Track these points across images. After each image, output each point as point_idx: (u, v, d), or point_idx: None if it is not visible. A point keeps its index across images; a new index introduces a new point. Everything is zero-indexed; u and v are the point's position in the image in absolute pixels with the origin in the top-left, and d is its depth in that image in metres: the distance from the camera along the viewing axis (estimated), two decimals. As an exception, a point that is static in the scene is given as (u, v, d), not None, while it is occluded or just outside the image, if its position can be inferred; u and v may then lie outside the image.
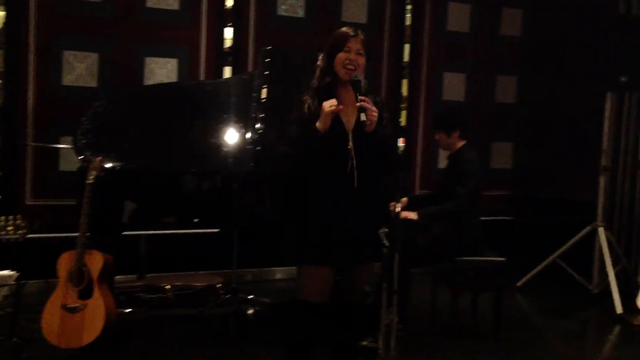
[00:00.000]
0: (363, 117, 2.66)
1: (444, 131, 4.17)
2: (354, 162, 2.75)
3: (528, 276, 5.29)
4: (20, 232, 2.99)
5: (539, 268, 5.29)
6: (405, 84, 5.97)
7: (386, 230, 2.92)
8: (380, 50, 5.81)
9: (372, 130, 2.70)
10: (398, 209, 2.92)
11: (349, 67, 2.79)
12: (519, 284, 5.28)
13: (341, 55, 2.80)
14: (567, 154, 5.93)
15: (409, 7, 5.93)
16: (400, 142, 5.93)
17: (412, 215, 3.93)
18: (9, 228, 2.97)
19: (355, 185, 2.77)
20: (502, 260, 4.06)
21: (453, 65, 6.06)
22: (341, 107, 2.73)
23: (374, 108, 2.70)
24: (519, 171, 6.34)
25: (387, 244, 2.85)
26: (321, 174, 2.80)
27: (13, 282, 2.81)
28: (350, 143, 2.77)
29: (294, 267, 2.98)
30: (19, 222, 3.01)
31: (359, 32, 2.86)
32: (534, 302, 5.10)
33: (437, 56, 6.02)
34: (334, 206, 2.78)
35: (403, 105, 5.98)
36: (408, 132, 5.96)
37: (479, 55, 6.14)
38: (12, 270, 2.83)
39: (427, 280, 4.17)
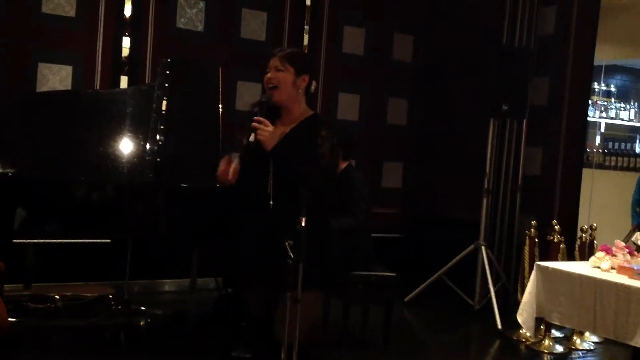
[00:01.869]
0: (252, 137, 2.81)
1: None
2: (271, 184, 2.90)
3: (415, 291, 5.67)
4: None
5: (425, 284, 5.66)
6: (302, 102, 6.27)
7: (291, 242, 3.17)
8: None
9: (271, 149, 2.82)
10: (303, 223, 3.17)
11: (269, 85, 2.96)
12: (406, 298, 5.63)
13: (265, 76, 2.99)
14: (453, 175, 6.43)
15: (306, 27, 6.26)
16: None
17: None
18: None
19: (270, 204, 2.89)
20: (391, 275, 4.34)
21: (348, 86, 6.44)
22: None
23: (264, 127, 2.81)
24: (408, 190, 6.80)
25: (292, 255, 3.10)
26: (244, 191, 2.97)
27: None
28: (271, 166, 2.91)
29: (183, 279, 3.09)
30: None
31: (279, 49, 3.02)
32: (420, 316, 5.49)
33: (333, 77, 6.38)
34: (246, 229, 2.99)
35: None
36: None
37: (372, 78, 6.55)
38: None
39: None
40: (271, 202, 2.90)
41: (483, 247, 5.55)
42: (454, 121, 6.48)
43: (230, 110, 5.36)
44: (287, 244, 3.15)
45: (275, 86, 2.97)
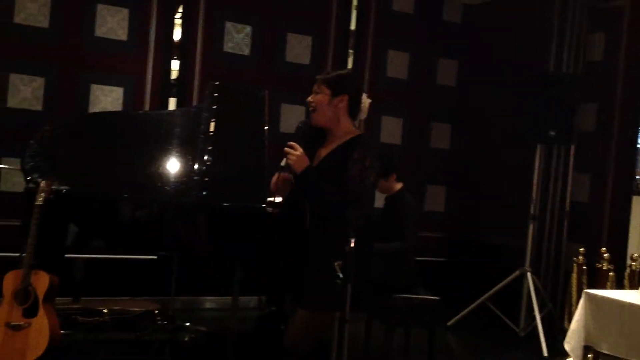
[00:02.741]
0: (283, 161, 2.91)
1: (382, 176, 4.41)
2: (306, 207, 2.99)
3: (458, 316, 5.68)
4: None
5: (468, 309, 5.67)
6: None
7: (340, 262, 3.25)
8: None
9: (300, 172, 2.88)
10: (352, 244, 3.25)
11: (310, 108, 3.05)
12: (449, 322, 5.65)
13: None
14: (497, 199, 6.44)
15: (351, 51, 6.41)
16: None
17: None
18: None
19: (305, 226, 2.98)
20: (435, 299, 4.36)
21: (391, 109, 6.54)
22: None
23: (293, 151, 2.87)
24: (451, 214, 6.84)
25: (340, 275, 3.18)
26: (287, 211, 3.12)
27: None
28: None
29: (226, 297, 3.20)
30: None
31: (325, 72, 3.08)
32: (464, 341, 5.48)
33: (377, 100, 6.46)
34: (286, 247, 3.14)
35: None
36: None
37: (415, 102, 6.65)
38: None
39: (360, 315, 4.49)
40: (308, 225, 2.98)
41: (529, 274, 5.54)
42: (498, 146, 6.51)
43: (274, 132, 5.51)
44: (336, 264, 3.25)
45: (314, 109, 3.04)
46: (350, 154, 2.89)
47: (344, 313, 3.16)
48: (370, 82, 6.45)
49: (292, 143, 2.92)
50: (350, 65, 6.39)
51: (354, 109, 3.04)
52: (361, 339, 4.51)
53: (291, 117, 6.04)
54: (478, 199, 6.66)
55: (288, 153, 2.89)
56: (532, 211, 5.69)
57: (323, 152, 3.01)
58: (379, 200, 5.36)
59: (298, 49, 6.13)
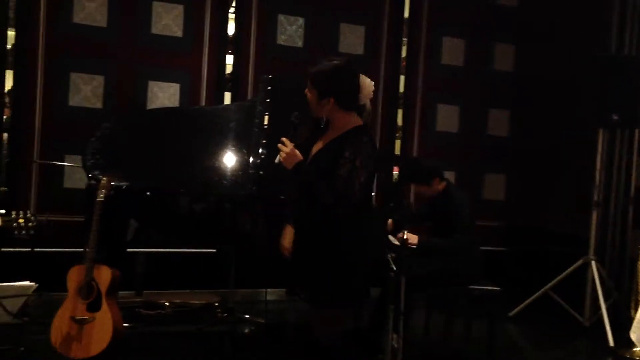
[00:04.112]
0: (277, 159, 2.86)
1: (424, 184, 4.34)
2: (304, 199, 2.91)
3: (520, 306, 5.53)
4: (30, 224, 3.18)
5: (531, 299, 5.52)
6: (400, 114, 6.32)
7: (393, 255, 3.19)
8: (376, 80, 6.14)
9: (290, 169, 2.83)
10: (405, 236, 3.19)
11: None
12: (511, 313, 5.50)
13: None
14: (558, 186, 6.26)
15: (405, 39, 6.31)
16: (394, 171, 6.29)
17: (413, 238, 4.08)
18: (20, 220, 3.18)
19: (300, 223, 2.95)
20: (496, 289, 4.25)
21: (447, 97, 6.41)
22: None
23: (284, 148, 2.82)
24: (511, 202, 6.67)
25: (394, 267, 3.12)
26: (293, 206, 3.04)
27: (32, 294, 3.01)
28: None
29: (284, 289, 3.19)
30: (28, 215, 3.21)
31: (312, 67, 2.92)
32: (526, 331, 5.33)
33: (432, 88, 6.38)
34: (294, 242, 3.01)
35: (397, 135, 6.32)
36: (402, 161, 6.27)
37: (472, 89, 6.50)
38: (30, 282, 3.02)
39: (419, 305, 4.42)
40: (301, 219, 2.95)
41: (593, 262, 5.36)
42: (558, 131, 6.31)
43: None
44: (389, 256, 3.20)
45: (310, 103, 2.96)
46: (342, 152, 2.80)
47: (398, 305, 3.12)
48: (425, 70, 6.34)
49: (284, 139, 2.86)
50: (404, 53, 6.29)
51: (345, 104, 2.89)
52: (420, 330, 4.45)
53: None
54: (539, 187, 6.48)
55: (280, 149, 2.84)
56: (595, 198, 5.51)
57: (319, 145, 2.92)
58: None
59: (351, 38, 6.06)
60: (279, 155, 2.85)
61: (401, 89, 6.31)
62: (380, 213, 4.75)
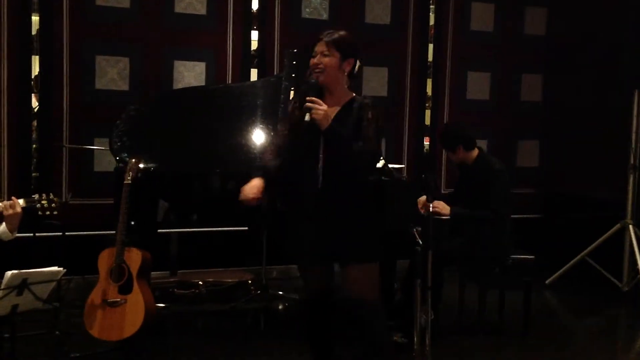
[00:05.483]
0: (307, 117, 2.80)
1: (450, 150, 4.24)
2: (321, 164, 2.88)
3: (557, 274, 5.42)
4: (53, 205, 3.17)
5: (567, 266, 5.41)
6: (429, 84, 6.16)
7: (419, 228, 3.10)
8: (404, 50, 6.01)
9: (327, 127, 2.81)
10: (431, 208, 3.10)
11: (315, 70, 2.93)
12: (547, 281, 5.40)
13: (311, 60, 2.97)
14: (593, 151, 6.06)
15: (432, 7, 6.12)
16: (425, 142, 6.15)
17: (445, 210, 4.01)
18: (43, 202, 3.17)
19: (320, 187, 2.88)
20: (530, 258, 4.15)
21: (477, 64, 6.23)
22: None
23: (318, 106, 2.80)
24: (545, 169, 6.50)
25: (420, 242, 3.04)
26: (293, 177, 2.99)
27: (61, 278, 3.00)
28: (322, 146, 2.89)
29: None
30: (51, 196, 3.20)
31: (326, 33, 2.95)
32: (563, 300, 5.23)
33: (461, 55, 6.19)
34: (300, 207, 2.95)
35: (427, 105, 6.17)
36: (432, 132, 6.14)
37: (503, 54, 6.30)
38: (59, 267, 3.02)
39: (454, 277, 4.33)
40: (321, 183, 2.89)
41: (631, 226, 5.23)
42: (593, 94, 6.09)
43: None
44: (414, 230, 3.12)
45: (321, 70, 2.93)
46: (364, 115, 2.89)
47: (425, 280, 3.04)
48: (454, 37, 6.15)
49: (315, 98, 2.84)
50: (432, 21, 6.11)
51: (353, 71, 2.99)
52: (454, 303, 4.36)
53: (373, 79, 5.85)
54: (574, 152, 6.28)
55: (312, 108, 2.81)
56: (632, 161, 5.37)
57: (332, 110, 2.90)
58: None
59: (377, 9, 5.90)
60: (308, 114, 2.81)
61: (430, 57, 6.14)
62: (410, 184, 4.66)
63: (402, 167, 5.28)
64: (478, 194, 4.06)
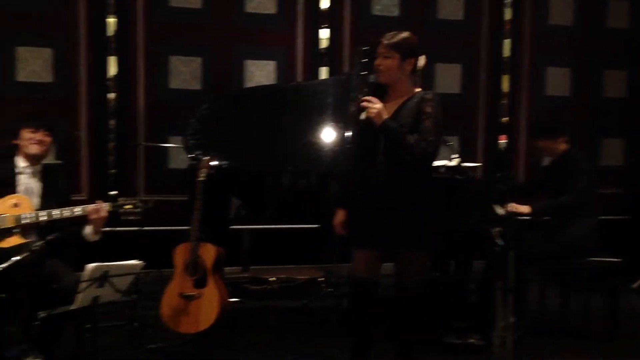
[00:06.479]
0: (363, 115, 3.06)
1: (551, 138, 4.22)
2: (382, 157, 3.10)
3: (644, 278, 5.29)
4: (137, 210, 3.36)
5: (656, 270, 5.27)
6: (505, 80, 6.11)
7: (499, 228, 3.14)
8: (478, 46, 5.99)
9: (380, 124, 3.03)
10: (512, 208, 3.14)
11: (376, 71, 3.20)
12: (634, 285, 5.27)
13: (374, 62, 3.23)
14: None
15: (507, 1, 6.08)
16: (502, 139, 6.10)
17: (525, 208, 4.00)
18: (127, 207, 3.36)
19: (382, 179, 3.09)
20: (616, 261, 4.08)
21: (556, 59, 6.15)
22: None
23: (373, 105, 3.05)
24: (631, 168, 6.35)
25: (500, 242, 3.08)
26: (358, 167, 3.22)
27: (140, 271, 3.15)
28: (382, 140, 3.11)
29: (389, 263, 3.26)
30: (135, 201, 3.38)
31: (388, 36, 3.19)
32: (652, 304, 5.09)
33: (540, 50, 6.12)
34: (362, 197, 3.17)
35: (504, 101, 6.12)
36: (509, 129, 6.08)
37: (584, 49, 6.20)
38: (138, 261, 3.17)
39: (534, 279, 4.27)
40: (381, 174, 3.11)
41: None
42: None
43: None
44: (495, 230, 3.15)
45: (382, 71, 3.19)
46: (422, 108, 3.08)
47: (507, 282, 3.07)
48: (531, 31, 6.09)
49: (370, 97, 3.08)
50: (508, 15, 6.06)
51: (415, 68, 3.23)
52: (535, 306, 4.30)
53: (446, 76, 5.86)
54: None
55: (367, 107, 3.05)
56: None
57: (390, 107, 3.14)
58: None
59: (450, 5, 5.92)
60: (364, 112, 3.06)
61: (506, 53, 6.09)
62: (485, 183, 4.64)
63: (477, 166, 5.25)
64: (562, 187, 4.05)
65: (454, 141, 4.68)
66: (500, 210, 3.86)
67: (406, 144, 3.01)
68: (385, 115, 3.05)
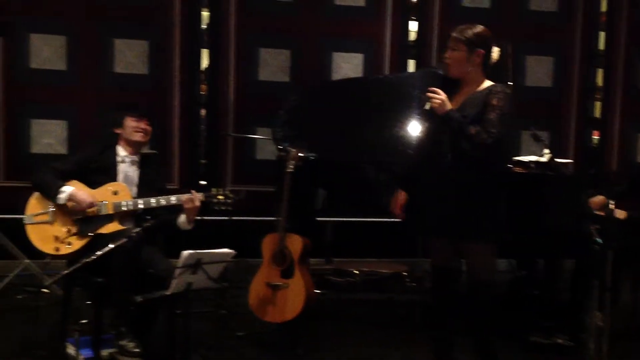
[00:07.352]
0: (427, 105, 3.09)
1: None
2: (448, 147, 3.12)
3: None
4: (228, 200, 3.46)
5: None
6: (600, 74, 5.91)
7: (598, 227, 3.07)
8: (571, 38, 5.80)
9: (443, 114, 3.05)
10: (612, 207, 3.05)
11: (444, 63, 3.23)
12: None
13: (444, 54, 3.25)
14: None
15: (602, -6, 5.88)
16: (594, 135, 5.91)
17: (621, 214, 3.88)
18: (220, 197, 3.46)
19: (446, 168, 3.11)
20: None
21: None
22: None
23: (437, 96, 3.07)
24: None
25: (599, 241, 3.01)
26: (425, 156, 3.28)
27: (232, 260, 3.23)
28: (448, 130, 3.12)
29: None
30: (227, 192, 3.50)
31: (457, 29, 3.19)
32: None
33: (635, 44, 5.87)
34: (427, 185, 3.20)
35: (597, 96, 5.92)
36: (602, 125, 5.89)
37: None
38: (230, 249, 3.25)
39: (628, 279, 4.15)
40: (447, 164, 3.13)
41: None
42: None
43: (519, 86, 5.25)
44: (593, 228, 3.08)
45: (449, 64, 3.20)
46: (488, 101, 3.08)
47: (604, 281, 2.99)
48: (629, 24, 5.86)
49: (434, 89, 3.11)
50: (604, 7, 5.84)
51: (486, 61, 3.21)
52: (628, 307, 4.16)
53: (538, 69, 5.72)
54: None
55: (431, 98, 3.08)
56: None
57: (459, 99, 3.17)
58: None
59: (543, -5, 5.76)
60: (428, 103, 3.10)
61: (601, 46, 5.89)
62: (578, 179, 4.51)
63: (568, 162, 5.12)
64: None
65: (544, 136, 4.59)
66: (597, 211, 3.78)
67: (467, 133, 3.03)
68: (449, 106, 3.07)
